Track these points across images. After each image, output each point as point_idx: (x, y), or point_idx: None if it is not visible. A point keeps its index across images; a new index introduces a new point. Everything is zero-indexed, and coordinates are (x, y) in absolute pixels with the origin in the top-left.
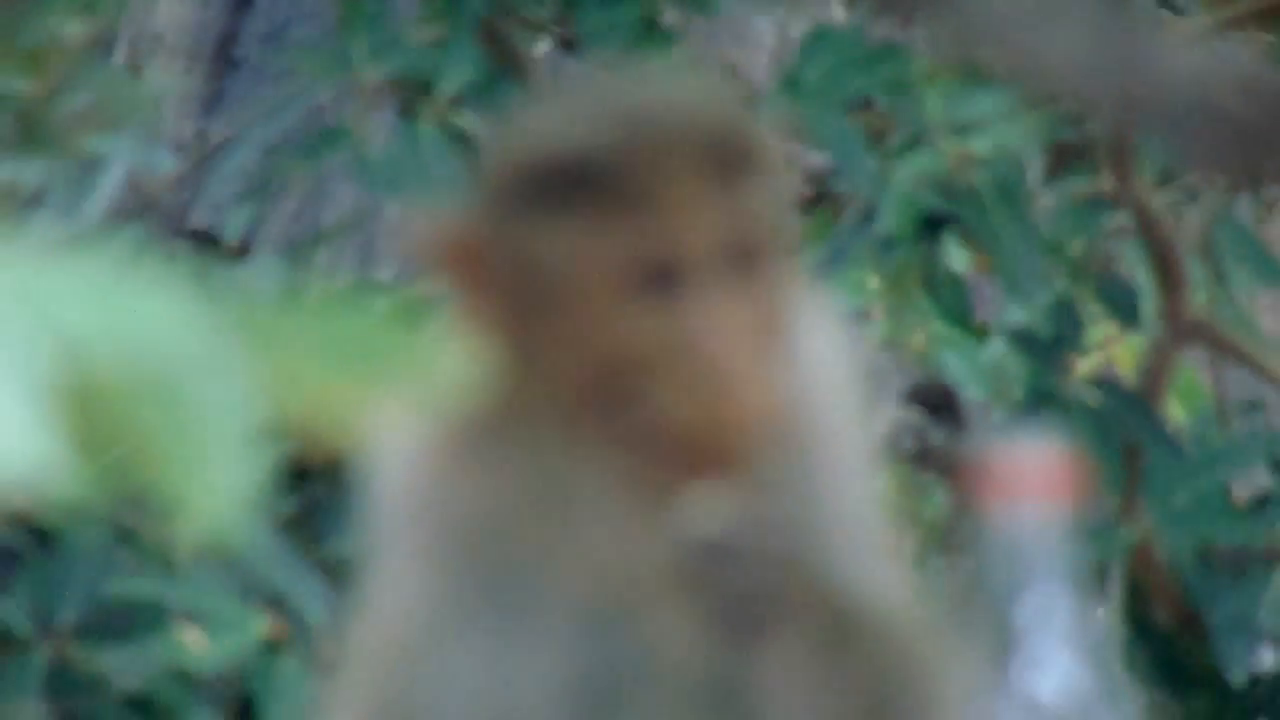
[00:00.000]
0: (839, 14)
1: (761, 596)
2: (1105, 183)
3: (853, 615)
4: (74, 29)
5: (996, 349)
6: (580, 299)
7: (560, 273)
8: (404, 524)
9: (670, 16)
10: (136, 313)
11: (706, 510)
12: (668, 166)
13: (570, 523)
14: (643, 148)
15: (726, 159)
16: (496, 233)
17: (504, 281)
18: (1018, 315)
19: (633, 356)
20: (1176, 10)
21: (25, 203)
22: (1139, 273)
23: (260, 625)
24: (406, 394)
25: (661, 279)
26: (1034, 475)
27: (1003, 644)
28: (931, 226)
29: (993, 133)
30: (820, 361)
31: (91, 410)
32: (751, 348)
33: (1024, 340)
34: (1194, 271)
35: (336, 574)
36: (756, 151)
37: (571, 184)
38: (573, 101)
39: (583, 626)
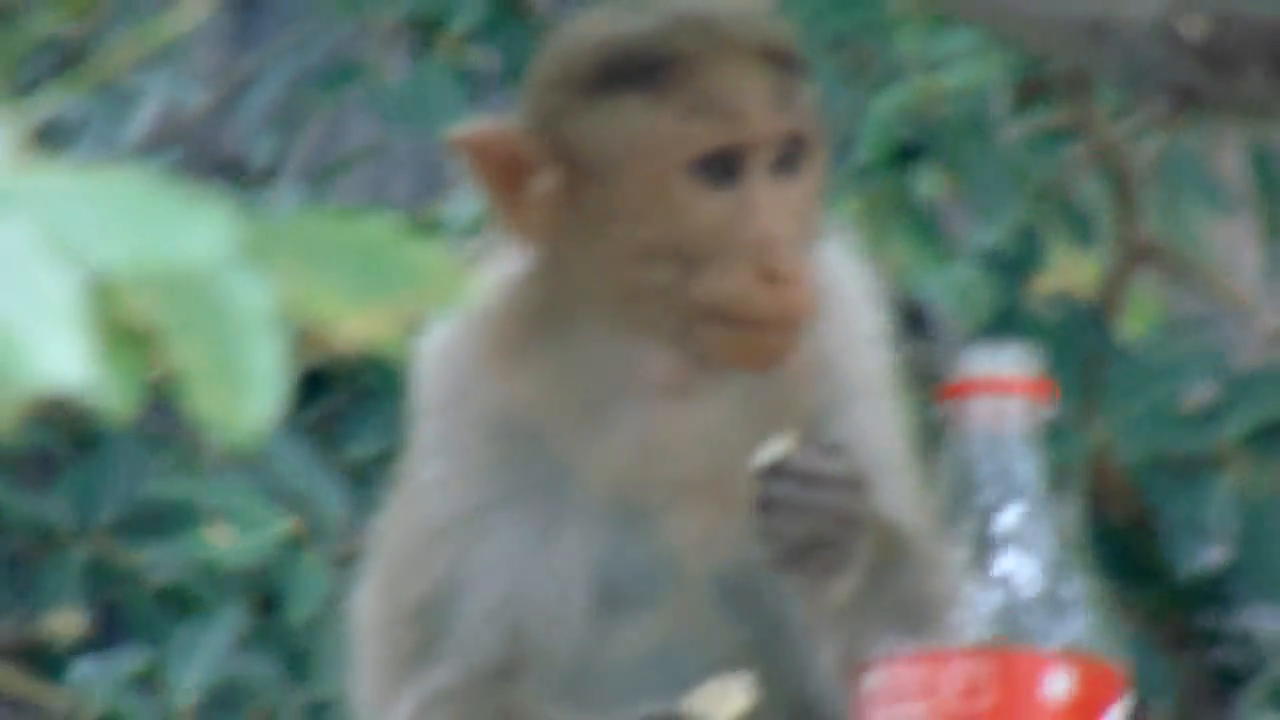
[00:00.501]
0: None
1: (834, 517)
2: (1066, 115)
3: (893, 530)
4: None
5: (964, 269)
6: (643, 183)
7: (625, 157)
8: (442, 420)
9: None
10: (170, 229)
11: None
12: (733, 58)
13: (603, 421)
14: (712, 40)
15: (782, 58)
16: (559, 127)
17: (558, 179)
18: (984, 238)
19: (691, 237)
20: None
21: (66, 135)
22: (1097, 199)
23: (283, 524)
24: (418, 304)
25: (723, 163)
26: (1007, 382)
27: (980, 533)
28: (905, 156)
29: (961, 69)
30: (848, 292)
31: (126, 320)
32: (799, 239)
33: (990, 261)
34: (1148, 198)
35: (355, 476)
36: (802, 57)
37: (643, 71)
38: (643, 4)
39: (609, 520)
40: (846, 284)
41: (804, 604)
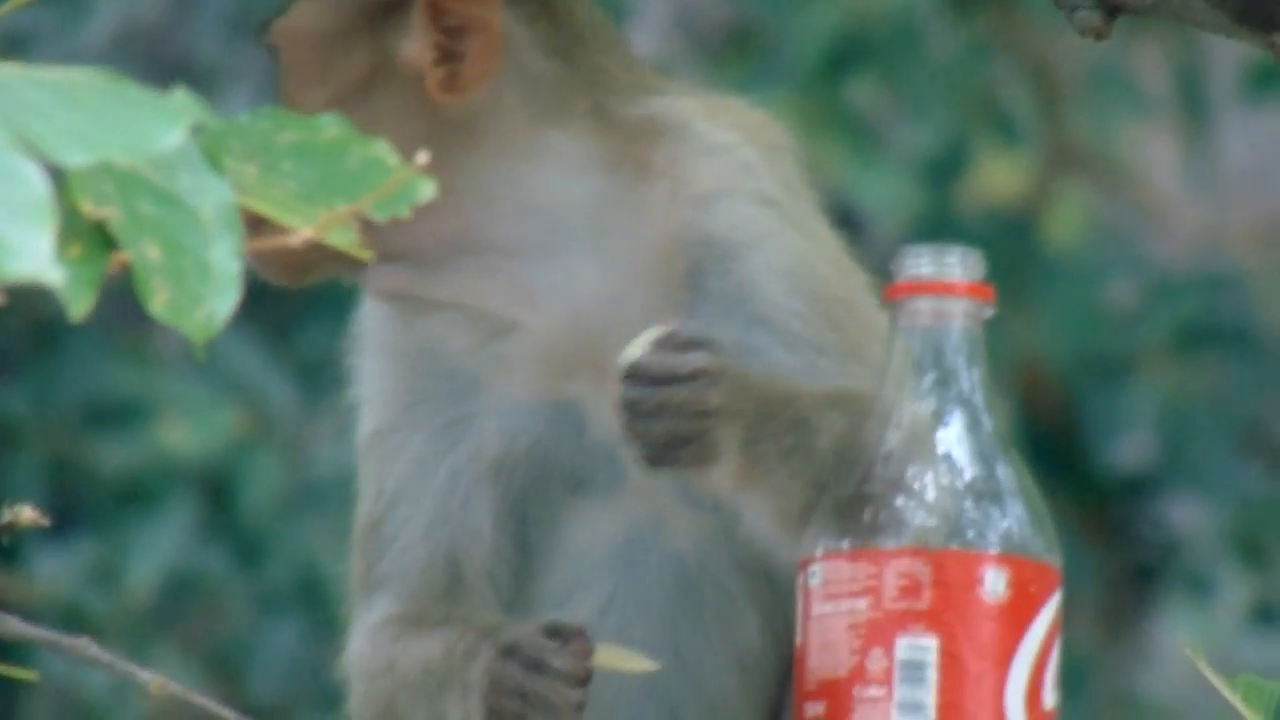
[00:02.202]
0: None
1: (690, 413)
2: (995, 27)
3: (783, 387)
4: None
5: (895, 174)
6: None
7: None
8: (373, 338)
9: None
10: (131, 129)
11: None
12: None
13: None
14: None
15: None
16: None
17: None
18: (915, 144)
19: None
20: None
21: (26, 44)
22: (1025, 107)
23: (233, 420)
24: (369, 203)
25: None
26: (950, 283)
27: (921, 426)
28: (839, 65)
29: None
30: (726, 186)
31: (87, 216)
32: None
33: (922, 167)
34: (1074, 107)
35: (305, 373)
36: None
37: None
38: None
39: (508, 427)
40: (702, 138)
41: (696, 484)
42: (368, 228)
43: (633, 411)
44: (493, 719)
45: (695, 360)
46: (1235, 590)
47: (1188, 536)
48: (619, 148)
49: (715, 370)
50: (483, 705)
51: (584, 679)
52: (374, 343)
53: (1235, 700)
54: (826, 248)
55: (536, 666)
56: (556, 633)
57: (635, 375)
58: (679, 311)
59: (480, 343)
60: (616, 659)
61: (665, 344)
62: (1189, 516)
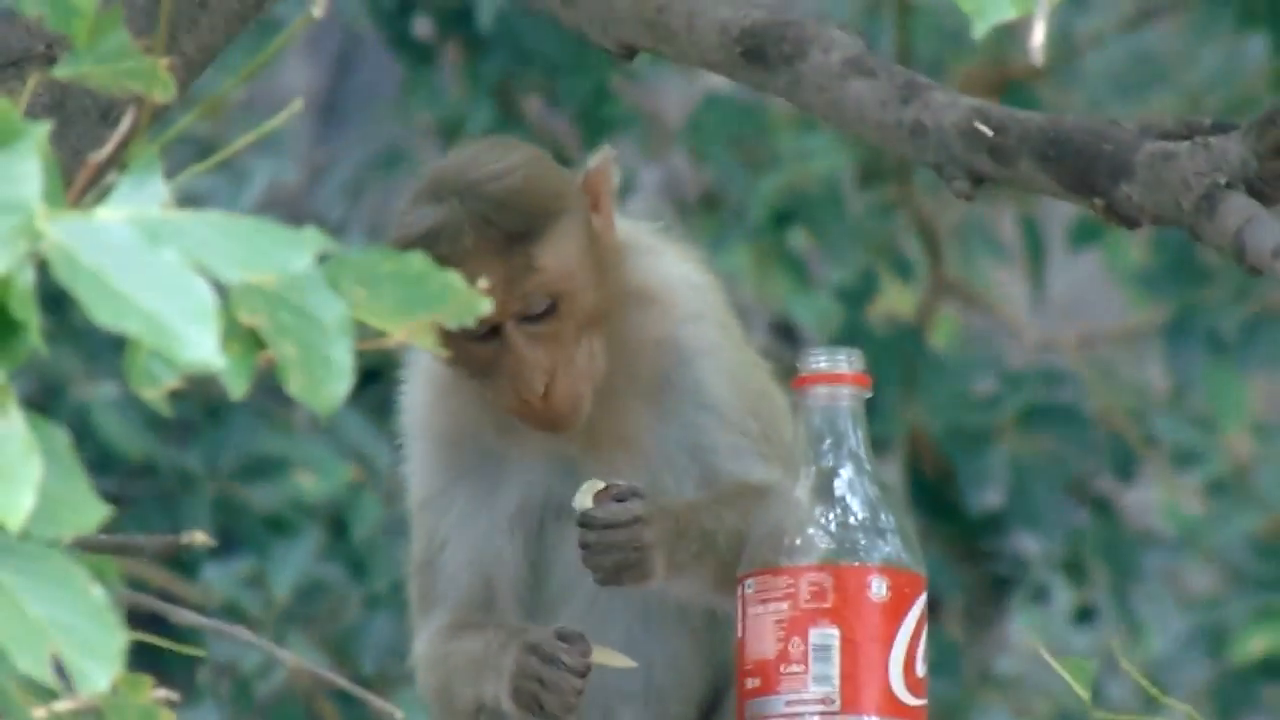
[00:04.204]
0: (724, 83)
1: (630, 548)
2: (894, 192)
3: (703, 504)
4: (234, 88)
5: (823, 299)
6: (454, 337)
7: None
8: (416, 435)
9: (615, 81)
10: (276, 259)
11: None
12: (470, 260)
13: (515, 427)
14: (455, 248)
15: (518, 239)
16: None
17: None
18: (837, 276)
19: (478, 369)
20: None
21: (199, 203)
22: (916, 251)
23: (348, 472)
24: (444, 316)
25: (486, 329)
26: (839, 374)
27: (822, 479)
28: (782, 220)
29: (822, 158)
30: (694, 313)
31: (244, 323)
32: (553, 363)
33: (841, 293)
34: (951, 250)
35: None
36: (534, 221)
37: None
38: (417, 186)
39: (536, 470)
40: (677, 285)
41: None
42: None
43: (589, 550)
44: (516, 696)
45: (632, 509)
46: (1064, 598)
47: (1030, 559)
48: (637, 289)
49: (646, 515)
50: (510, 686)
51: (584, 672)
52: (420, 428)
53: (1066, 675)
54: (750, 356)
55: (550, 660)
56: (566, 637)
57: (588, 524)
58: (653, 399)
59: (506, 424)
60: (608, 657)
61: (607, 494)
62: (1031, 545)
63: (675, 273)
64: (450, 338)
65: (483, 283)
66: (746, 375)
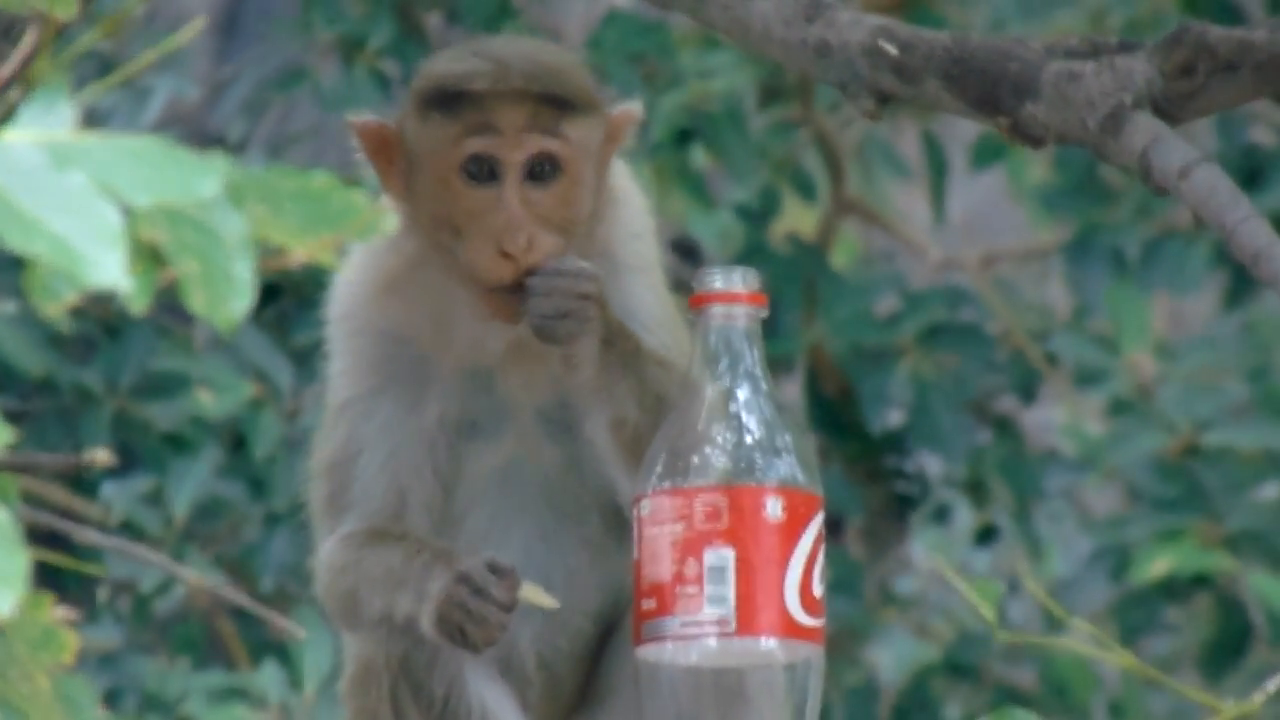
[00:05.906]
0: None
1: (573, 295)
2: (796, 110)
3: (633, 333)
4: (136, 5)
5: (724, 218)
6: (435, 172)
7: (428, 155)
8: (347, 332)
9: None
10: (177, 180)
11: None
12: (506, 94)
13: (449, 329)
14: (496, 80)
15: (550, 99)
16: (404, 132)
17: (404, 164)
18: (738, 195)
19: (458, 216)
20: None
21: (101, 120)
22: (817, 169)
23: (248, 389)
24: (347, 235)
25: (486, 168)
26: (735, 294)
27: (720, 398)
28: (684, 138)
29: (723, 77)
30: (635, 232)
31: (145, 242)
32: (548, 230)
33: (742, 212)
34: (853, 169)
35: (298, 357)
36: (571, 98)
37: (447, 99)
38: (452, 50)
39: (456, 385)
40: (626, 200)
41: (568, 377)
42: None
43: (533, 294)
44: (440, 623)
45: (580, 267)
46: (965, 518)
47: (932, 478)
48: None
49: (590, 278)
50: (435, 612)
51: (511, 607)
52: (354, 325)
53: (971, 595)
54: (662, 277)
55: (479, 592)
56: (497, 569)
57: (539, 273)
58: None
59: (439, 329)
60: (534, 594)
61: (563, 260)
62: (933, 464)
63: (625, 187)
64: (448, 176)
65: (507, 118)
66: (667, 297)
